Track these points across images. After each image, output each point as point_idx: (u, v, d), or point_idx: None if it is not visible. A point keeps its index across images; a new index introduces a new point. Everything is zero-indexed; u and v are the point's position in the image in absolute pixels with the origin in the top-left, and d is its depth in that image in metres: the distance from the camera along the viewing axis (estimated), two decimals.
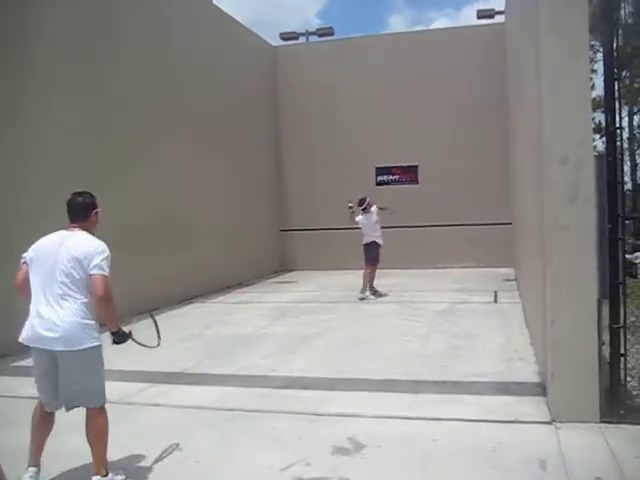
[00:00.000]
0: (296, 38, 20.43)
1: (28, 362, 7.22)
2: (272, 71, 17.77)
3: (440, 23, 61.29)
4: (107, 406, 5.67)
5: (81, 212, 4.07)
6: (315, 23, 61.71)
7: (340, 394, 5.77)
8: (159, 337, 4.69)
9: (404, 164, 16.89)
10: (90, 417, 4.05)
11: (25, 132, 8.33)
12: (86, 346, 3.90)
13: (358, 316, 9.97)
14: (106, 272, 3.89)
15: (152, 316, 4.83)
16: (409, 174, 16.95)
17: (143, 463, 4.36)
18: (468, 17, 51.36)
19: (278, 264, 17.21)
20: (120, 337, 4.26)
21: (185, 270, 11.68)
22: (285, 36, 20.28)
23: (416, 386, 5.86)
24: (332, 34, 20.25)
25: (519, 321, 8.71)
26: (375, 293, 11.77)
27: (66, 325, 3.83)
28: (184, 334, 8.81)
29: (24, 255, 4.02)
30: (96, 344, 3.98)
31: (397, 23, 62.03)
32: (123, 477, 4.09)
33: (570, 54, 4.64)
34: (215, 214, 13.21)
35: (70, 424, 4.17)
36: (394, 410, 5.19)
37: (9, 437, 4.33)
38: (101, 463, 3.97)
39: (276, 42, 19.00)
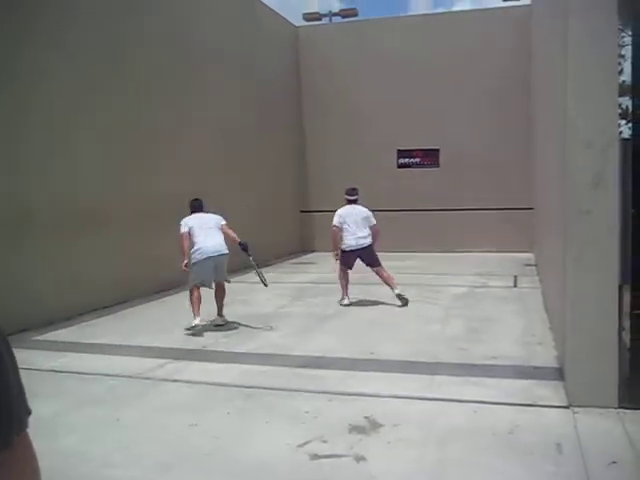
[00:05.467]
0: (319, 19, 20.32)
1: (47, 336, 7.45)
2: (294, 52, 17.65)
3: (461, 5, 60.32)
4: (127, 381, 5.80)
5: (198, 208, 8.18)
6: (336, 6, 61.10)
7: (358, 374, 5.80)
8: (265, 282, 8.11)
9: (426, 147, 16.78)
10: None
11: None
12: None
13: (376, 298, 9.96)
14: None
15: (256, 267, 8.09)
16: (430, 157, 16.83)
17: (162, 438, 4.43)
18: (490, 0, 50.39)
19: (298, 245, 17.25)
20: (244, 246, 8.02)
21: None
22: (308, 17, 20.17)
23: (434, 368, 5.88)
24: (356, 15, 20.13)
25: (539, 306, 8.67)
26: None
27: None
28: (203, 312, 8.87)
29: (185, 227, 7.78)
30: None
31: (418, 5, 61.14)
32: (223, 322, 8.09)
33: (597, 36, 4.58)
34: (236, 195, 13.22)
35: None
36: (412, 391, 5.21)
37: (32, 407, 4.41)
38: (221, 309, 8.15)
39: (299, 23, 18.89)
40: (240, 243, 8.02)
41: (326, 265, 13.44)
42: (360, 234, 9.28)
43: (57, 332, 7.80)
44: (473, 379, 5.52)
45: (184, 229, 7.82)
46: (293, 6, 42.63)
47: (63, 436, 4.25)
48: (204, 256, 7.74)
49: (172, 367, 6.20)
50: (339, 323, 8.15)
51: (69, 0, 8.84)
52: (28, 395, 1.14)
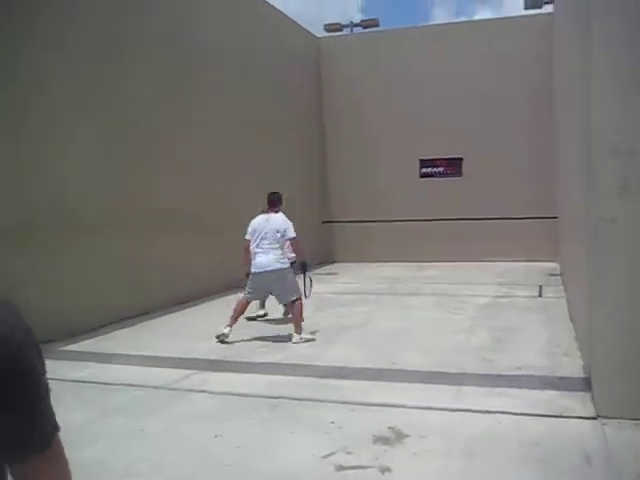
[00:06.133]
0: (340, 30, 20.36)
1: (73, 347, 7.50)
2: (316, 62, 17.71)
3: (482, 14, 60.08)
4: (151, 392, 5.81)
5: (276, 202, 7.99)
6: (357, 17, 61.18)
7: (382, 384, 5.78)
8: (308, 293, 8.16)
9: (448, 156, 16.71)
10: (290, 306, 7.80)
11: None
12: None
13: (399, 308, 9.93)
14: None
15: (309, 285, 8.21)
16: (453, 167, 16.75)
17: (185, 448, 4.43)
18: (512, 9, 49.88)
19: (320, 256, 17.20)
20: (304, 266, 8.08)
21: (227, 259, 11.71)
22: (329, 28, 20.22)
23: (459, 378, 5.83)
24: (377, 25, 20.13)
25: (564, 315, 8.57)
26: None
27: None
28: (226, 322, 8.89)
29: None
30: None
31: (439, 15, 61.07)
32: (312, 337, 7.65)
33: (623, 40, 4.54)
34: (259, 205, 13.22)
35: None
36: (437, 401, 5.17)
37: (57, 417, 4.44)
38: (298, 326, 7.61)
39: (320, 34, 18.95)
40: (302, 263, 8.01)
41: (347, 275, 13.46)
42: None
43: (82, 343, 7.85)
44: (498, 389, 5.47)
45: (247, 236, 7.85)
46: (314, 17, 42.84)
47: (87, 446, 4.26)
48: (253, 270, 7.72)
49: (197, 378, 6.22)
50: (362, 334, 8.11)
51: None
52: (53, 405, 1.16)
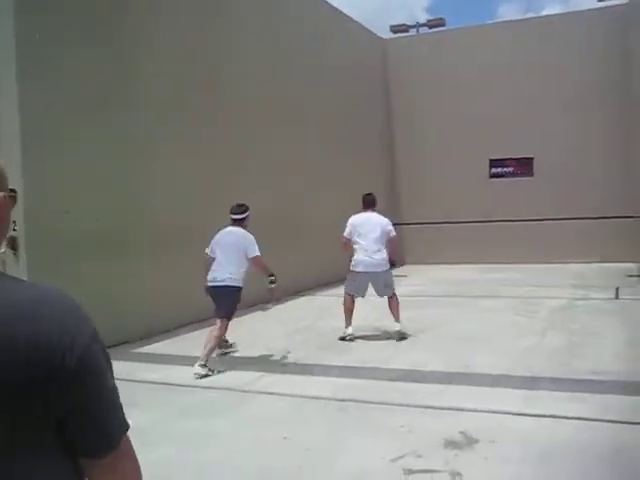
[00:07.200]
0: (406, 30, 20.25)
1: (146, 349, 7.67)
2: (383, 64, 17.64)
3: (550, 10, 58.76)
4: (223, 393, 5.89)
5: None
6: (423, 18, 60.83)
7: (453, 388, 5.69)
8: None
9: (519, 156, 16.34)
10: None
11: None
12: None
13: (472, 311, 9.77)
14: None
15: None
16: (524, 166, 16.37)
17: (255, 450, 4.47)
18: (580, 3, 48.35)
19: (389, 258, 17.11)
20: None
21: (296, 264, 11.78)
22: (395, 29, 20.14)
23: (533, 382, 5.69)
24: (443, 25, 19.96)
25: None
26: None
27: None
28: (296, 325, 8.95)
29: None
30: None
31: (506, 12, 60.01)
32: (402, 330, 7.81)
33: None
34: (326, 210, 13.24)
35: None
36: (509, 406, 5.05)
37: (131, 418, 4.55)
38: (397, 316, 7.87)
39: (386, 35, 18.91)
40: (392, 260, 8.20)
41: (417, 278, 13.33)
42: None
43: (155, 345, 8.02)
44: (574, 395, 5.31)
45: (346, 232, 8.02)
46: (378, 23, 42.84)
47: (159, 446, 4.34)
48: (358, 269, 7.91)
49: (267, 380, 6.26)
50: (433, 336, 8.02)
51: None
52: (127, 406, 1.17)
